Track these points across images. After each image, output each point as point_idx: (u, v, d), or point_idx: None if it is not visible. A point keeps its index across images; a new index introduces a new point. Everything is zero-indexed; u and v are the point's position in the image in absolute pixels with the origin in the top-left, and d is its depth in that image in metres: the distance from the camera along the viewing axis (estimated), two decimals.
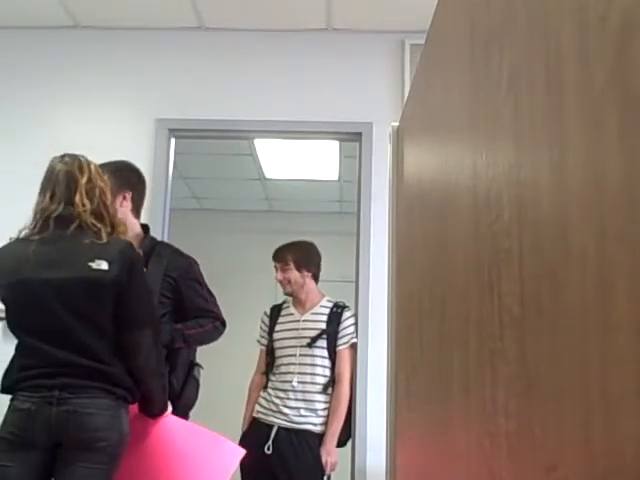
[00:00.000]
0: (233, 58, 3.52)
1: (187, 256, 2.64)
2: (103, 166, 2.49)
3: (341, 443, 3.09)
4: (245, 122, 3.43)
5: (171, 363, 2.52)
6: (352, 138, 3.48)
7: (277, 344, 3.15)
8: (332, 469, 3.00)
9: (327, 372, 3.06)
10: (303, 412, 3.01)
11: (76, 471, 1.91)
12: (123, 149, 3.26)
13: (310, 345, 3.06)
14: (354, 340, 3.12)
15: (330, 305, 3.17)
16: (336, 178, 5.23)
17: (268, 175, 5.28)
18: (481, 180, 0.88)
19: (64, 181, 2.06)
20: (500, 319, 0.77)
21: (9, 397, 1.99)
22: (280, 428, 2.99)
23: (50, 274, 1.98)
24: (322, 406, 3.03)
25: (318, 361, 3.05)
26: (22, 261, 2.00)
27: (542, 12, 0.67)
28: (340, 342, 3.08)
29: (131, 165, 2.62)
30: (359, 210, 3.34)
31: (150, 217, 3.14)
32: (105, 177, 2.18)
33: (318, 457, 2.96)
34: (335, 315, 3.12)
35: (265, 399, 3.08)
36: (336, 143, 4.28)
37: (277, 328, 3.18)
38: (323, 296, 3.23)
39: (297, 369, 3.04)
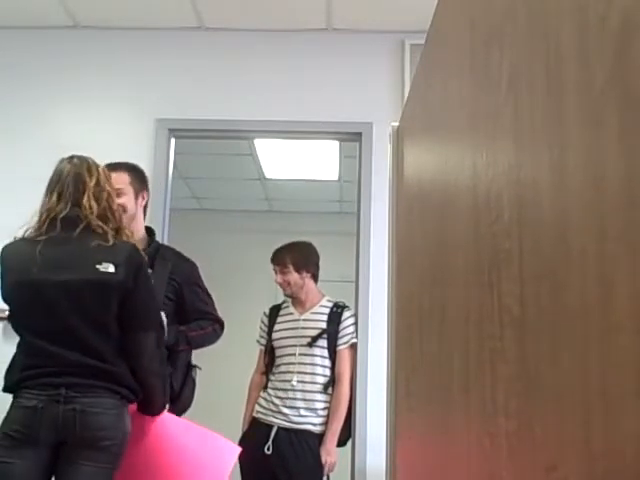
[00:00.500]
0: (233, 58, 3.52)
1: (188, 259, 2.66)
2: (119, 163, 2.50)
3: (341, 443, 3.09)
4: (245, 122, 3.43)
5: (171, 364, 2.52)
6: (352, 138, 3.48)
7: (277, 344, 3.15)
8: (332, 469, 3.00)
9: (327, 372, 3.06)
10: (303, 412, 3.00)
11: (80, 469, 1.92)
12: (123, 149, 3.26)
13: (310, 345, 3.06)
14: (354, 340, 3.12)
15: (330, 305, 3.17)
16: (336, 178, 5.23)
17: (268, 175, 5.28)
18: (481, 180, 0.88)
19: (72, 182, 2.07)
20: (500, 319, 0.77)
21: (10, 396, 2.00)
22: (280, 428, 2.99)
23: (57, 275, 1.99)
24: (322, 406, 3.03)
25: (318, 361, 3.05)
26: (28, 261, 2.00)
27: (542, 12, 0.67)
28: (340, 342, 3.08)
29: (139, 166, 2.64)
30: (359, 210, 3.34)
31: (150, 217, 3.13)
32: (111, 181, 2.18)
33: (318, 457, 2.96)
34: (335, 315, 3.12)
35: (265, 399, 3.08)
36: (336, 143, 4.28)
37: (276, 328, 3.18)
38: (323, 296, 3.23)
39: (297, 369, 3.04)
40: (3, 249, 2.08)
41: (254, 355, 3.28)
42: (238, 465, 3.06)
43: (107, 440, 1.93)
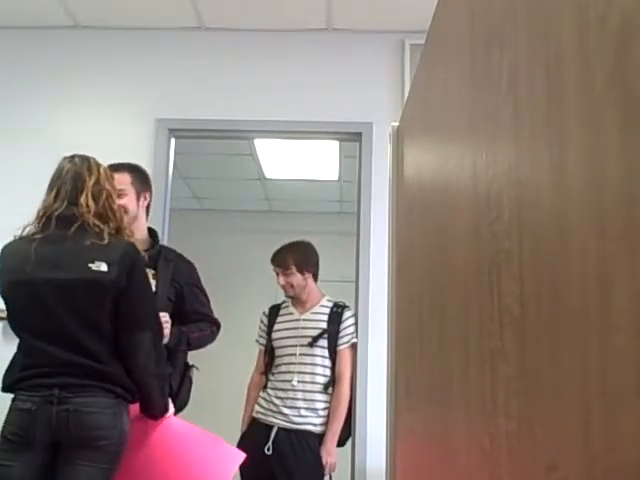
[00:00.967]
0: (233, 58, 3.52)
1: (189, 261, 2.67)
2: (122, 164, 2.49)
3: (341, 442, 3.09)
4: (245, 122, 3.43)
5: (170, 365, 2.53)
6: (352, 138, 3.48)
7: (276, 344, 3.14)
8: (333, 469, 3.00)
9: (327, 372, 3.06)
10: (303, 412, 3.00)
11: (78, 470, 1.91)
12: (123, 149, 3.26)
13: (311, 345, 3.06)
14: (354, 340, 3.12)
15: (330, 305, 3.17)
16: (336, 178, 5.23)
17: (268, 175, 5.28)
18: (481, 180, 0.88)
19: (71, 181, 2.07)
20: (500, 319, 0.77)
21: (10, 397, 2.00)
22: (280, 429, 2.99)
23: (50, 274, 1.98)
24: (322, 406, 3.03)
25: (318, 361, 3.05)
26: (23, 260, 2.00)
27: (542, 12, 0.67)
28: (341, 342, 3.08)
29: (141, 166, 2.64)
30: (359, 210, 3.34)
31: (150, 217, 3.13)
32: (113, 181, 2.17)
33: (318, 457, 2.96)
34: (336, 315, 3.12)
35: (265, 399, 3.08)
36: (336, 143, 4.28)
37: (276, 327, 3.17)
38: (323, 295, 3.22)
39: (297, 369, 3.04)
40: (2, 248, 2.08)
41: (254, 355, 3.28)
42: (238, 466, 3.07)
43: (103, 439, 1.92)
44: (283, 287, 3.18)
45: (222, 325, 2.69)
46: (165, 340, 2.38)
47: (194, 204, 6.01)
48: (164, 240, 3.20)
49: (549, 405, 0.61)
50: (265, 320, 3.26)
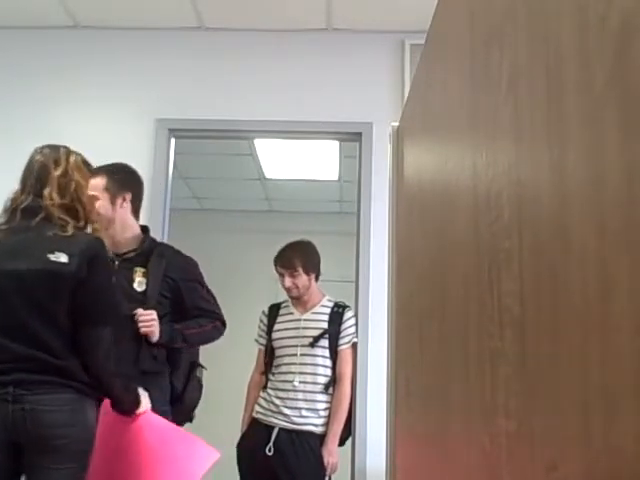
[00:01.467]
0: (233, 58, 3.52)
1: (187, 257, 2.64)
2: (100, 168, 2.49)
3: (341, 442, 3.09)
4: (245, 122, 3.44)
5: (172, 364, 2.52)
6: (352, 138, 3.48)
7: (277, 344, 3.14)
8: (334, 470, 3.00)
9: (328, 372, 3.06)
10: (304, 412, 3.00)
11: (45, 474, 1.85)
12: (123, 149, 3.26)
13: (312, 345, 3.06)
14: (355, 340, 3.12)
15: (331, 305, 3.17)
16: (336, 178, 5.23)
17: (268, 175, 5.28)
18: (481, 180, 0.88)
19: (36, 173, 2.04)
20: (500, 319, 0.77)
21: None
22: (281, 429, 2.99)
23: (10, 265, 1.94)
24: (323, 406, 3.03)
25: (320, 361, 3.05)
26: None
27: (542, 12, 0.67)
28: (342, 342, 3.08)
29: (128, 167, 2.62)
30: (359, 210, 3.34)
31: (150, 217, 3.14)
32: (86, 172, 2.12)
33: (320, 458, 2.95)
34: (336, 315, 3.12)
35: (265, 399, 3.08)
36: (336, 143, 4.28)
37: (277, 328, 3.17)
38: (323, 295, 3.22)
39: (298, 369, 3.04)
40: None
41: (254, 355, 3.28)
42: (237, 466, 3.07)
43: (62, 438, 1.85)
44: (288, 288, 3.16)
45: None
46: (154, 338, 2.38)
47: (194, 204, 6.01)
48: (164, 240, 3.20)
49: (549, 405, 0.61)
50: (265, 320, 3.25)
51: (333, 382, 3.06)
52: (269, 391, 3.08)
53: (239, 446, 3.08)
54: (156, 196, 3.28)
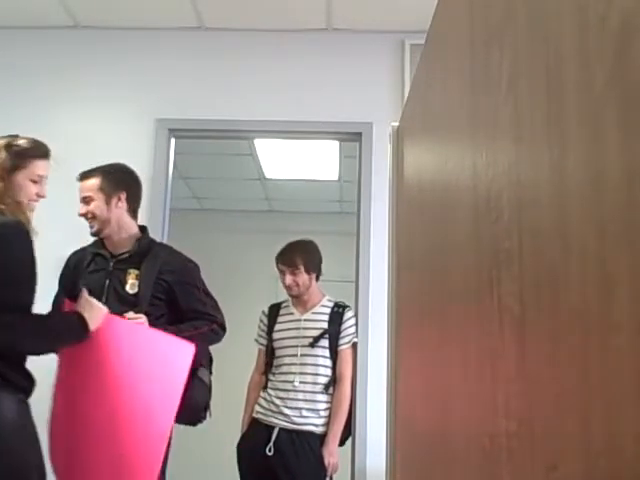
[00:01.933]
0: (233, 58, 3.52)
1: (186, 259, 2.62)
2: (96, 169, 2.49)
3: (341, 442, 3.09)
4: (245, 122, 3.44)
5: None
6: (352, 138, 3.48)
7: (277, 344, 3.14)
8: (335, 470, 3.00)
9: (328, 372, 3.06)
10: (305, 413, 3.00)
11: None
12: (123, 149, 3.26)
13: (312, 345, 3.06)
14: (355, 340, 3.13)
15: (331, 305, 3.17)
16: (336, 178, 5.23)
17: (268, 175, 5.28)
18: (481, 180, 0.88)
19: None
20: (500, 319, 0.77)
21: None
22: (281, 429, 2.99)
23: None
24: (323, 406, 3.03)
25: (320, 361, 3.05)
26: None
27: (542, 12, 0.67)
28: (342, 342, 3.08)
29: (125, 166, 2.62)
30: (359, 210, 3.34)
31: (150, 217, 3.14)
32: (4, 154, 2.07)
33: (320, 458, 2.95)
34: (337, 315, 3.12)
35: (265, 399, 3.08)
36: (336, 143, 4.28)
37: (277, 328, 3.17)
38: (324, 295, 3.22)
39: (299, 369, 3.04)
40: None
41: (254, 355, 3.28)
42: (237, 466, 3.07)
43: None
44: (288, 286, 3.17)
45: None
46: None
47: (194, 204, 6.01)
48: (164, 240, 3.20)
49: (549, 405, 0.61)
50: (265, 320, 3.25)
51: (333, 382, 3.06)
52: (269, 391, 3.08)
53: (239, 446, 3.08)
54: (156, 196, 3.28)
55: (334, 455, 2.98)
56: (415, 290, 1.44)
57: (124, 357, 2.05)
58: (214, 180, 5.54)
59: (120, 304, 2.36)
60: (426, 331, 1.28)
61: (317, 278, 3.23)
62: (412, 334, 1.44)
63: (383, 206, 2.26)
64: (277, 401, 3.03)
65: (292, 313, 3.19)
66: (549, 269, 0.62)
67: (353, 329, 3.13)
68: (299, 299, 3.19)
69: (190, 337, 2.47)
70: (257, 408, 3.09)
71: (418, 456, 1.34)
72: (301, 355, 3.06)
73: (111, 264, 2.51)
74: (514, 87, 0.75)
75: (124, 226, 2.55)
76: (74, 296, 2.21)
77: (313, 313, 3.15)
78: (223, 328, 2.58)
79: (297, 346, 3.07)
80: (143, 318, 2.34)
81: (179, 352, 2.11)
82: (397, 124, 1.78)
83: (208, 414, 2.57)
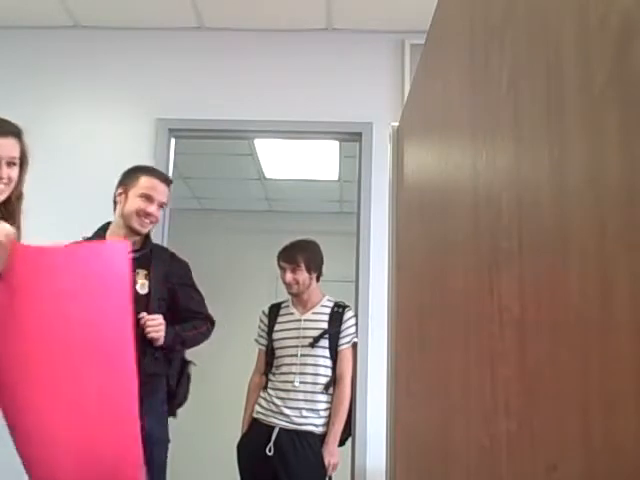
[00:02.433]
0: (233, 58, 3.52)
1: (182, 260, 2.66)
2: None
3: (341, 442, 3.09)
4: (245, 122, 3.44)
5: (168, 363, 2.52)
6: (352, 138, 3.48)
7: (277, 344, 3.14)
8: (334, 470, 3.00)
9: (329, 372, 3.06)
10: (305, 413, 3.00)
11: None
12: (123, 149, 3.26)
13: (312, 345, 3.06)
14: (355, 340, 3.13)
15: (331, 305, 3.17)
16: (336, 178, 5.23)
17: (268, 175, 5.28)
18: (481, 180, 0.88)
19: None
20: (500, 319, 0.77)
21: None
22: (281, 429, 2.99)
23: None
24: (324, 406, 3.03)
25: (320, 361, 3.05)
26: None
27: (542, 12, 0.67)
28: (342, 342, 3.09)
29: (136, 166, 2.63)
30: (359, 210, 3.34)
31: None
32: None
33: (320, 458, 2.96)
34: (337, 315, 3.13)
35: (265, 399, 3.08)
36: (336, 143, 4.28)
37: (277, 328, 3.17)
38: (324, 295, 3.23)
39: (299, 369, 3.04)
40: None
41: (254, 355, 3.28)
42: (237, 466, 3.07)
43: None
44: (288, 283, 3.17)
45: (222, 325, 2.69)
46: (160, 342, 2.38)
47: (194, 204, 6.01)
48: (164, 240, 3.20)
49: (549, 405, 0.61)
50: (265, 320, 3.26)
51: (333, 382, 3.06)
52: (269, 391, 3.08)
53: (239, 446, 3.09)
54: None
55: (334, 455, 2.99)
56: (415, 290, 1.44)
57: (50, 289, 1.73)
58: (214, 180, 5.54)
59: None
60: (426, 331, 1.28)
61: (318, 279, 3.23)
62: (412, 334, 1.44)
63: (383, 206, 2.26)
64: (277, 401, 3.03)
65: (292, 313, 3.19)
66: (549, 269, 0.62)
67: (353, 329, 3.13)
68: (299, 298, 3.19)
69: (193, 337, 2.52)
70: (257, 408, 3.09)
71: (418, 456, 1.34)
72: (301, 355, 3.06)
73: None
74: (514, 87, 0.75)
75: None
76: None
77: (313, 313, 3.15)
78: (213, 324, 2.65)
79: (297, 346, 3.08)
80: (161, 319, 2.37)
81: (114, 256, 1.83)
82: (397, 124, 1.78)
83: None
